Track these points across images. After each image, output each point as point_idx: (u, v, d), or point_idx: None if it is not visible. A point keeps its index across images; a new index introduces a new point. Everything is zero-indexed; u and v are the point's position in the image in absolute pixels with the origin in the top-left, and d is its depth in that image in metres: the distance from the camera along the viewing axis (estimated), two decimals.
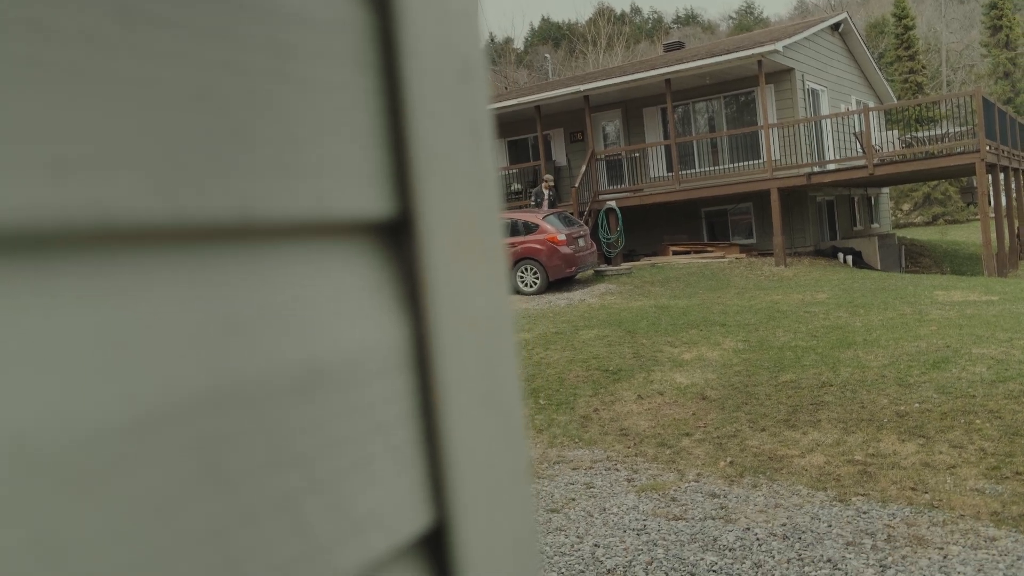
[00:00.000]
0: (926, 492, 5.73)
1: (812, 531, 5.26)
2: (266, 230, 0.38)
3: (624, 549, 5.24)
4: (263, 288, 0.38)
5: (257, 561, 0.34)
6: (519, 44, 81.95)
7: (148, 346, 0.31)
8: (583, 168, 18.51)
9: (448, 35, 0.47)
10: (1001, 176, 17.94)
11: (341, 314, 0.42)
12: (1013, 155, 18.77)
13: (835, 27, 21.40)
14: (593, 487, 6.37)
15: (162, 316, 0.32)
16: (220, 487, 0.32)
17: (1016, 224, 19.70)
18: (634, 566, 4.99)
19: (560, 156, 21.26)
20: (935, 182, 34.61)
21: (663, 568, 4.93)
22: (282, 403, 0.36)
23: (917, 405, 7.13)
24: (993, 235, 15.96)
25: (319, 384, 0.39)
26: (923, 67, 40.13)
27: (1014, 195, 19.92)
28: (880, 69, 24.45)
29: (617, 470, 6.72)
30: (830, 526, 5.32)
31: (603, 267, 16.95)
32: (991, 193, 17.96)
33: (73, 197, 0.28)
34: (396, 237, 0.46)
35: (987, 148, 15.19)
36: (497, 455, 0.49)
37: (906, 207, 37.53)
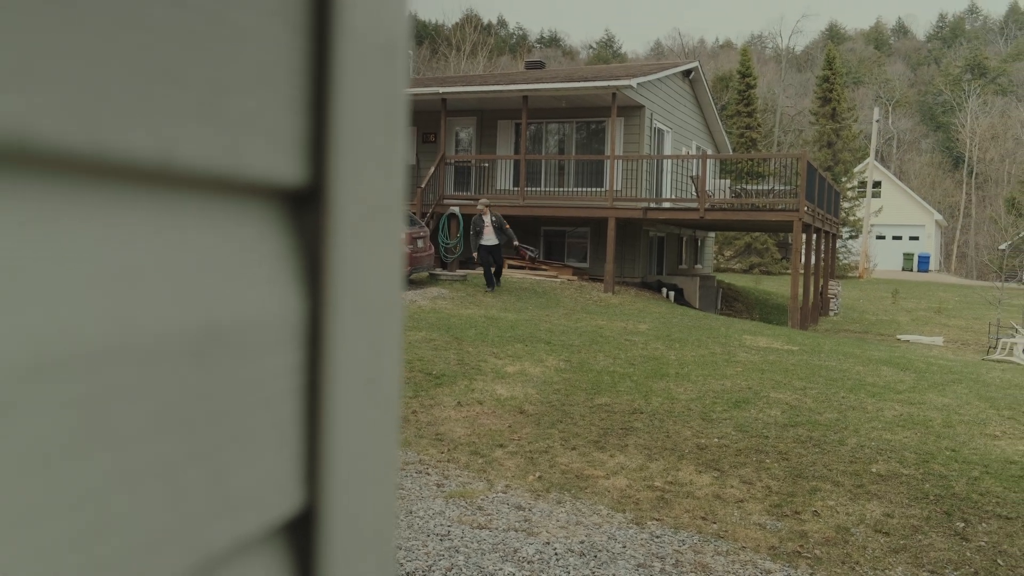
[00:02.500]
0: (715, 522, 6.07)
1: (608, 550, 5.46)
2: (182, 178, 0.35)
3: (425, 553, 5.25)
4: (171, 240, 0.35)
5: (129, 527, 0.31)
6: None
7: (44, 285, 0.28)
8: (432, 170, 18.50)
9: (379, 10, 0.46)
10: (814, 236, 19.37)
11: (243, 279, 0.39)
12: (826, 219, 20.30)
13: (686, 73, 22.47)
14: (402, 489, 6.34)
15: (64, 254, 0.29)
16: (101, 445, 0.30)
17: (820, 282, 21.30)
18: (433, 571, 5.01)
19: (410, 155, 21.15)
20: (756, 233, 36.95)
21: (462, 575, 4.97)
22: (175, 363, 0.34)
23: (716, 440, 7.55)
24: (800, 289, 17.19)
25: (213, 349, 0.37)
26: (759, 124, 42.85)
27: (822, 255, 21.55)
28: (721, 120, 25.88)
29: (428, 474, 6.72)
30: (625, 547, 5.53)
31: (439, 271, 16.98)
32: (803, 250, 19.36)
33: None
34: (304, 207, 0.44)
35: (805, 209, 16.36)
36: (372, 443, 0.48)
37: (728, 253, 39.81)
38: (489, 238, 15.16)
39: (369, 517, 0.48)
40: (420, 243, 15.21)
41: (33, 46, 0.28)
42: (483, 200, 15.74)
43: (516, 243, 15.84)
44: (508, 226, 15.40)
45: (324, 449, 0.43)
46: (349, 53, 0.44)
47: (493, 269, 15.47)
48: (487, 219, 15.14)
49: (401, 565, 5.06)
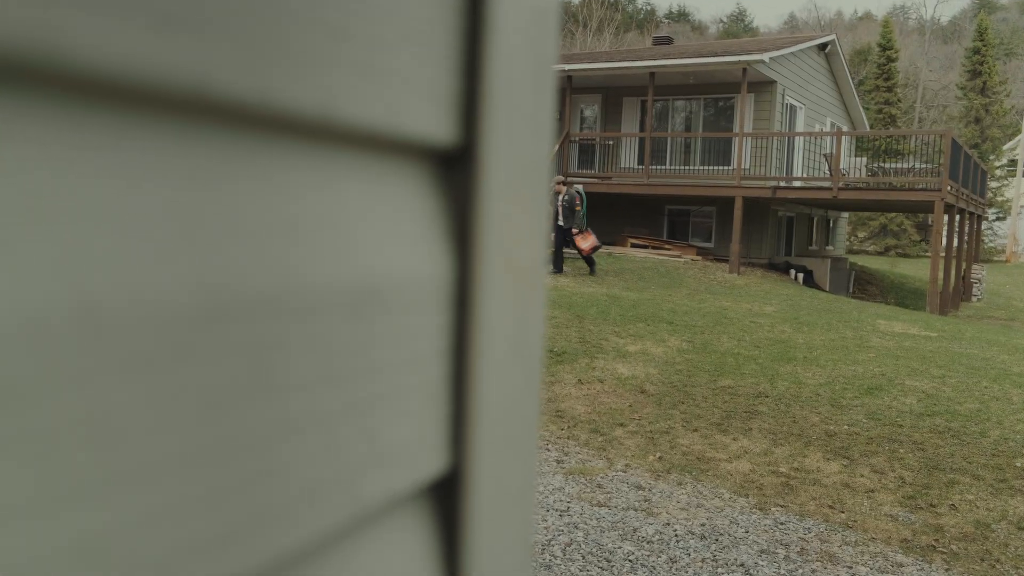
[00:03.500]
0: (843, 511, 5.88)
1: (729, 534, 5.37)
2: (342, 134, 0.36)
3: (545, 528, 5.29)
4: (331, 196, 0.36)
5: (290, 477, 0.32)
6: None
7: (217, 234, 0.29)
8: (556, 147, 18.48)
9: None
10: (956, 217, 18.36)
11: (396, 238, 0.40)
12: (971, 199, 19.20)
13: (822, 47, 21.59)
14: None
15: (236, 206, 0.29)
16: (265, 394, 0.31)
17: (963, 266, 20.20)
18: (552, 545, 5.04)
19: None
20: (893, 214, 35.32)
21: (581, 551, 4.99)
22: (333, 317, 0.35)
23: (846, 427, 7.30)
24: (941, 273, 16.35)
25: (367, 305, 0.37)
26: (899, 100, 40.81)
27: (965, 238, 20.41)
28: (858, 95, 24.77)
29: (548, 450, 6.76)
30: (747, 532, 5.43)
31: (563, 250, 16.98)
32: (945, 232, 18.38)
33: (176, 57, 0.26)
34: (455, 168, 0.44)
35: (948, 189, 15.51)
36: (517, 406, 0.47)
37: (862, 234, 38.23)
38: (561, 220, 14.67)
39: (512, 481, 0.48)
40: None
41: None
42: (557, 177, 15.12)
43: (575, 231, 14.73)
44: (579, 207, 14.53)
45: (470, 411, 0.43)
46: (503, 11, 0.43)
47: (564, 251, 14.99)
48: (560, 199, 14.60)
49: None
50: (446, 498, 0.44)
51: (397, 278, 0.39)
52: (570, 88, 18.77)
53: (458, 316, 0.43)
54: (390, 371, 0.39)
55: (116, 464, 0.26)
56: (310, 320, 0.33)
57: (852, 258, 27.84)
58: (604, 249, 18.03)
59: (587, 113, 20.83)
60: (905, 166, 21.07)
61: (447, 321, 0.43)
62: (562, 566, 4.78)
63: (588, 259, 14.90)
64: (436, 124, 0.41)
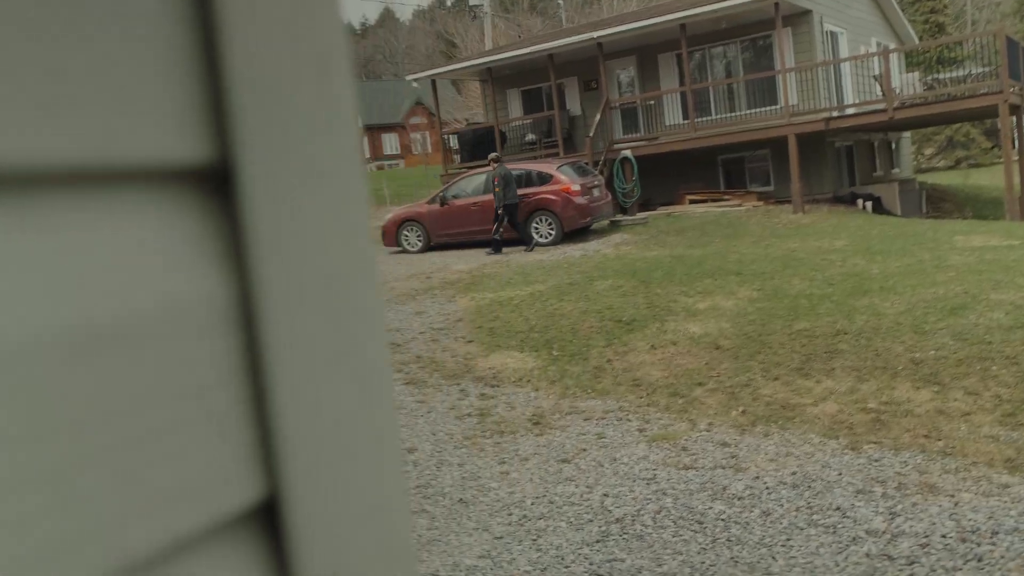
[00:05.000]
0: (939, 439, 5.69)
1: (822, 479, 5.24)
2: (83, 173, 0.34)
3: (633, 498, 5.25)
4: (80, 234, 0.33)
5: (79, 512, 0.30)
6: None
7: None
8: (597, 117, 18.28)
9: None
10: None
11: (156, 266, 0.37)
12: None
13: None
14: (605, 437, 6.37)
15: None
16: (46, 434, 0.29)
17: None
18: (642, 515, 5.00)
19: (574, 105, 20.99)
20: (958, 124, 33.98)
21: (671, 517, 4.94)
22: (92, 356, 0.33)
23: (933, 352, 7.05)
24: (1016, 178, 15.66)
25: (133, 338, 0.35)
26: (945, 7, 39.15)
27: None
28: (901, 9, 23.86)
29: (629, 420, 6.71)
30: (840, 474, 5.29)
31: (619, 217, 16.83)
32: (1015, 135, 17.61)
33: None
34: (219, 185, 0.41)
35: (1011, 89, 14.84)
36: (350, 419, 0.44)
37: (928, 151, 36.90)
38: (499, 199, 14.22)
39: (355, 494, 0.45)
40: (596, 192, 15.11)
41: None
42: (491, 155, 14.86)
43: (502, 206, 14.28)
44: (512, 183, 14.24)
45: (280, 433, 0.41)
46: (241, 20, 0.40)
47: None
48: (490, 178, 14.21)
49: (609, 511, 5.09)
50: (272, 523, 0.41)
51: (164, 307, 0.37)
52: (602, 55, 18.51)
53: (247, 336, 0.41)
54: (174, 401, 0.36)
55: None
56: (69, 360, 0.31)
57: (922, 177, 26.91)
58: (663, 209, 17.79)
59: (623, 77, 20.54)
60: (962, 73, 20.22)
61: (235, 343, 0.40)
62: (654, 535, 4.74)
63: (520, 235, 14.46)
64: (180, 146, 0.39)
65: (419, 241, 15.89)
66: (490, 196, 14.66)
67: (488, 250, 14.53)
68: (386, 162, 57.33)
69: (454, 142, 21.09)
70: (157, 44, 0.38)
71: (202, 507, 0.37)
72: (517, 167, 15.37)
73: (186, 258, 0.39)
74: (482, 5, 34.76)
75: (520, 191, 14.64)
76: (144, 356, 0.36)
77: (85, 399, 0.33)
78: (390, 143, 58.91)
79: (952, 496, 4.83)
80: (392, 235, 16.15)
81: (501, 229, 14.36)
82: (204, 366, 0.38)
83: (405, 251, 16.04)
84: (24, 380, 0.30)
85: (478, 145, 19.87)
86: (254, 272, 0.40)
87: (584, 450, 6.15)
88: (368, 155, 58.37)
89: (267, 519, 0.41)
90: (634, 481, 5.52)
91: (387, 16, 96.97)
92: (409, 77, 23.84)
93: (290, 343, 0.42)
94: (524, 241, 14.47)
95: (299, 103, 0.43)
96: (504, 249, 14.42)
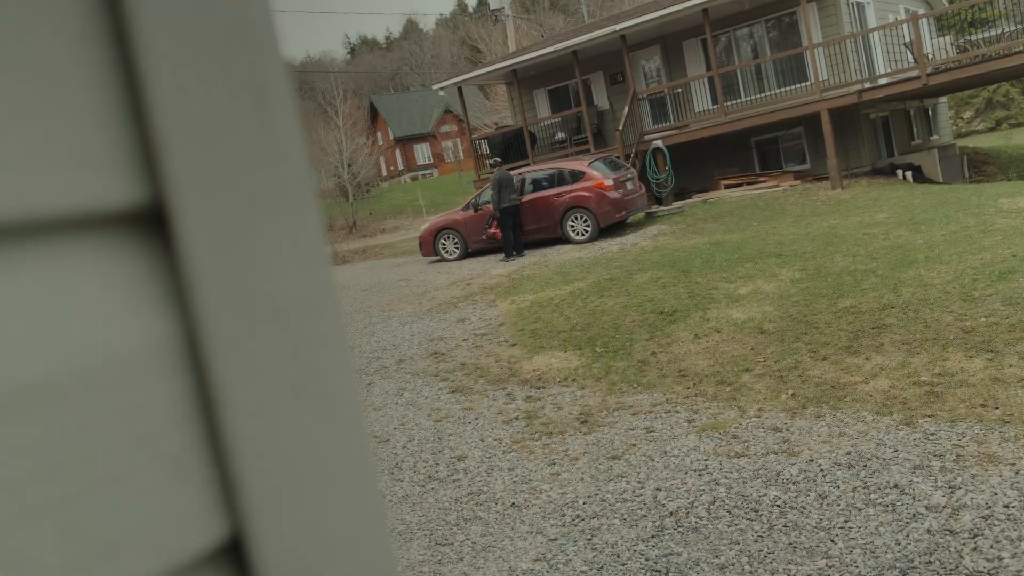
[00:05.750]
0: (996, 408, 5.55)
1: (878, 457, 5.15)
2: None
3: (686, 491, 5.21)
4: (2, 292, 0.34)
5: (36, 562, 0.31)
6: None
7: None
8: (626, 110, 18.18)
9: None
10: None
11: (96, 314, 0.37)
12: None
13: None
14: (653, 431, 6.33)
15: None
16: None
17: None
18: (696, 507, 4.96)
19: (602, 100, 20.90)
20: (995, 85, 33.19)
21: (726, 507, 4.89)
22: (34, 411, 0.33)
23: (983, 319, 6.89)
24: None
25: (71, 391, 0.35)
26: None
27: None
28: None
29: (677, 412, 6.65)
30: (896, 451, 5.19)
31: (654, 208, 16.71)
32: None
33: None
34: (156, 226, 0.41)
35: None
36: (316, 451, 0.44)
37: (967, 115, 36.10)
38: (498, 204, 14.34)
39: (326, 526, 0.44)
40: (630, 185, 15.03)
41: None
42: (492, 161, 15.11)
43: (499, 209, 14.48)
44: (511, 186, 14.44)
45: (239, 471, 0.40)
46: (164, 50, 0.40)
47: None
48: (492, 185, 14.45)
49: (663, 506, 5.05)
50: (240, 561, 0.41)
51: (110, 354, 0.37)
52: (626, 47, 18.41)
53: (196, 376, 0.41)
54: (123, 448, 0.37)
55: None
56: (16, 416, 0.32)
57: (962, 142, 26.33)
58: (698, 197, 17.63)
59: (649, 68, 20.40)
60: (996, 33, 19.73)
61: (184, 384, 0.40)
62: (709, 526, 4.69)
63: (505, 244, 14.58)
64: (111, 190, 0.39)
65: (456, 249, 15.94)
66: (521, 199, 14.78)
67: (501, 257, 14.69)
68: (420, 172, 57.64)
69: (485, 147, 21.13)
70: (78, 90, 0.38)
71: (162, 552, 0.37)
72: (548, 167, 15.39)
73: (126, 302, 0.39)
74: (503, 8, 34.78)
75: (554, 190, 14.68)
76: (89, 406, 0.36)
77: (30, 455, 0.33)
78: (422, 153, 59.25)
79: (1013, 464, 4.71)
80: (429, 245, 16.23)
81: (490, 230, 14.68)
82: (153, 410, 0.38)
83: (443, 259, 16.10)
84: None
85: (508, 148, 19.89)
86: (198, 311, 0.40)
87: (634, 445, 6.11)
88: (401, 167, 58.73)
89: (234, 558, 0.41)
90: (686, 473, 5.47)
91: (410, 28, 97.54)
92: (436, 86, 23.91)
93: (242, 379, 0.41)
94: (504, 250, 14.59)
95: (236, 137, 0.43)
96: (525, 251, 14.66)
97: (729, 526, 4.66)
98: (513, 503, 5.50)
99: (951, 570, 3.82)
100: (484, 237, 14.93)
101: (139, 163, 0.40)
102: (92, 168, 0.38)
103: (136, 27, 0.39)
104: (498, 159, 15.38)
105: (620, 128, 17.82)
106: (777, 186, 16.89)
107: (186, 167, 0.40)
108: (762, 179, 17.69)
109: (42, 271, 0.37)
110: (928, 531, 4.17)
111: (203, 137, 0.41)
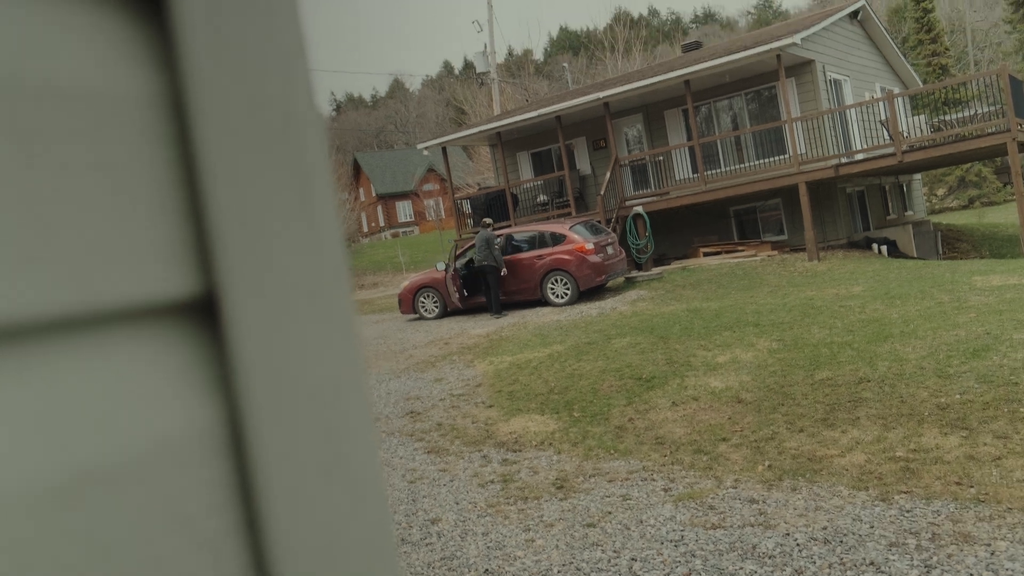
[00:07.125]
0: (971, 486, 5.58)
1: (854, 533, 5.14)
2: (66, 322, 0.35)
3: (662, 562, 5.16)
4: (56, 383, 0.35)
5: None
6: (539, 55, 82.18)
7: None
8: (607, 175, 18.43)
9: (257, 92, 0.44)
10: None
11: (145, 403, 0.38)
12: None
13: (854, 15, 21.14)
14: (630, 499, 6.28)
15: None
16: None
17: None
18: None
19: (584, 164, 21.19)
20: (968, 164, 34.01)
21: None
22: (83, 501, 0.33)
23: (958, 396, 6.96)
24: None
25: (120, 479, 0.36)
26: (947, 49, 39.44)
27: None
28: (903, 54, 24.10)
29: (654, 480, 6.62)
30: (872, 527, 5.19)
31: (634, 273, 16.85)
32: None
33: None
34: (207, 315, 0.42)
35: (1018, 126, 14.87)
36: (342, 528, 0.45)
37: (940, 192, 36.87)
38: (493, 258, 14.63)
39: None
40: (610, 249, 15.16)
41: None
42: (485, 220, 15.43)
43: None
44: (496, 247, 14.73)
45: (274, 553, 0.41)
46: (220, 146, 0.42)
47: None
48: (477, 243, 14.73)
49: None
50: None
51: (157, 442, 0.38)
52: (609, 114, 18.75)
53: (238, 461, 0.41)
54: (165, 533, 0.37)
55: None
56: (67, 505, 0.32)
57: (936, 218, 26.85)
58: (677, 263, 17.80)
59: (631, 135, 20.76)
60: (969, 114, 20.29)
61: (226, 469, 0.41)
62: None
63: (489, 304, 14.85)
64: (166, 281, 0.40)
65: (436, 307, 15.95)
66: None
67: (488, 316, 14.86)
68: (401, 229, 57.84)
69: (467, 207, 21.29)
70: (143, 187, 0.39)
71: None
72: (530, 228, 15.52)
73: (175, 391, 0.40)
74: (489, 72, 35.40)
75: (535, 252, 14.79)
76: (137, 491, 0.37)
77: (77, 544, 0.34)
78: (404, 211, 59.54)
79: (988, 545, 4.72)
80: (409, 303, 16.23)
81: (459, 291, 14.86)
82: (195, 494, 0.39)
83: (422, 318, 16.09)
84: (18, 531, 0.31)
85: (491, 209, 20.07)
86: (243, 397, 0.42)
87: (610, 513, 6.07)
88: (383, 223, 58.93)
89: None
90: (662, 543, 5.43)
91: (397, 87, 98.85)
92: (420, 146, 24.15)
93: (279, 462, 0.43)
94: (489, 308, 14.83)
95: (282, 228, 0.45)
96: (505, 312, 14.77)
97: None
98: (487, 569, 5.42)
99: None
100: (455, 300, 15.14)
101: (194, 256, 0.42)
102: (153, 261, 0.39)
103: (198, 126, 0.41)
104: (488, 220, 15.56)
105: (602, 193, 18.04)
106: (755, 255, 17.10)
107: (237, 259, 0.42)
108: (740, 248, 17.91)
109: (101, 360, 0.38)
110: None
111: (253, 229, 0.43)
